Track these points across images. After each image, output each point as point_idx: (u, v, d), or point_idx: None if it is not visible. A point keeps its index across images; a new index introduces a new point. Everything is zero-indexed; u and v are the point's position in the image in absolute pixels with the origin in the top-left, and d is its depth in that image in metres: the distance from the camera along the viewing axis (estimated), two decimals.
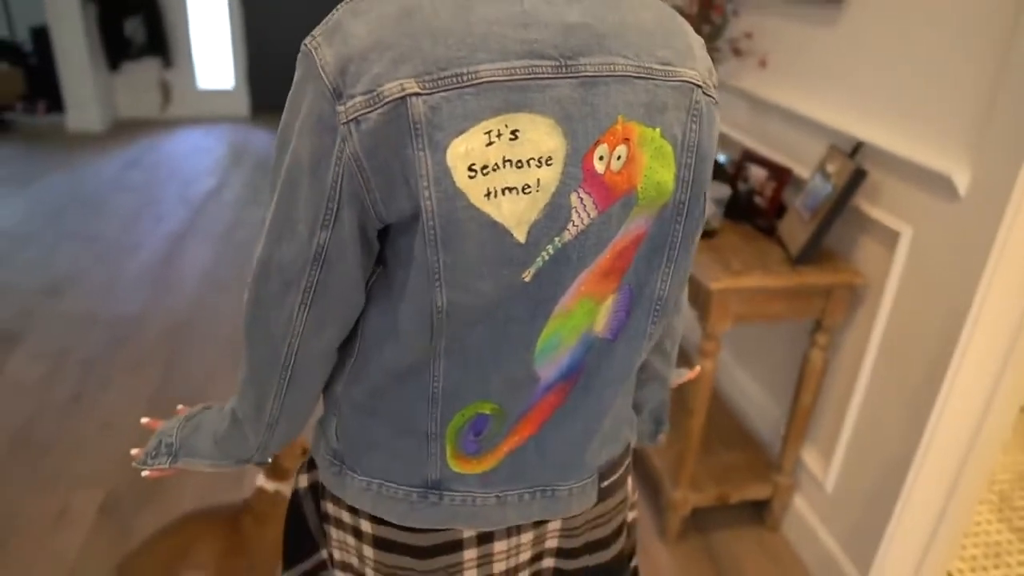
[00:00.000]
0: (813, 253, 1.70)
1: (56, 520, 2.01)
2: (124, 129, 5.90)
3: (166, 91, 6.19)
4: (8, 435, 2.32)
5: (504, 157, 0.61)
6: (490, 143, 0.60)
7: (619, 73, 0.64)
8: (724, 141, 2.34)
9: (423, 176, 0.60)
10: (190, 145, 5.57)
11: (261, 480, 1.55)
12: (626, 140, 0.65)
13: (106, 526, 1.99)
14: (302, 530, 0.93)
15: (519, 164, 0.61)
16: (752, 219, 1.92)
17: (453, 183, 0.60)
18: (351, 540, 0.86)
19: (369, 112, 0.59)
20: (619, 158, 0.66)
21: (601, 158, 0.65)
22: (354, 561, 0.87)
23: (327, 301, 0.68)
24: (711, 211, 1.79)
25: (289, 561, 0.95)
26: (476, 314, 0.67)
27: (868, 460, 1.73)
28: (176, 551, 1.48)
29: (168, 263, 3.58)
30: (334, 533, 0.88)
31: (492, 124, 0.60)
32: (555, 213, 0.64)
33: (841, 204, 1.63)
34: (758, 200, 1.92)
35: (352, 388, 0.77)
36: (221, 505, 1.61)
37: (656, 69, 0.66)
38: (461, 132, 0.59)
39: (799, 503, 1.99)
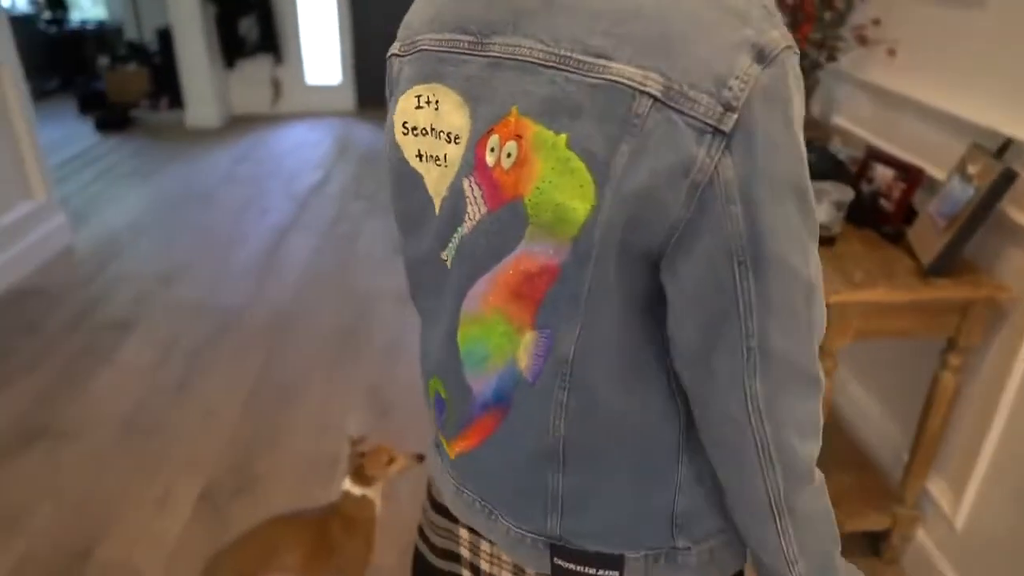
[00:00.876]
0: (949, 264, 1.52)
1: (158, 504, 2.08)
2: (237, 124, 6.15)
3: (277, 87, 6.42)
4: (120, 419, 2.43)
5: (431, 124, 0.64)
6: (419, 107, 0.65)
7: (522, 57, 0.56)
8: (846, 137, 2.16)
9: (388, 122, 0.69)
10: (297, 139, 5.75)
11: (347, 484, 1.53)
12: (518, 137, 0.56)
13: (204, 513, 2.04)
14: None
15: (438, 135, 0.64)
16: (876, 224, 1.74)
17: (394, 135, 0.68)
18: None
19: (387, 66, 0.72)
20: (509, 155, 0.57)
21: (492, 150, 0.59)
22: None
23: None
24: (831, 215, 1.64)
25: None
26: (423, 277, 0.72)
27: (1009, 499, 1.54)
28: (264, 552, 1.48)
29: (272, 255, 3.68)
30: None
31: (422, 90, 0.64)
32: (456, 197, 0.63)
33: (985, 210, 1.45)
34: (884, 203, 1.75)
35: None
36: (310, 508, 1.60)
37: (576, 60, 0.53)
38: (404, 92, 0.66)
39: (922, 538, 1.81)
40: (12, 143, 3.36)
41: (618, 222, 0.54)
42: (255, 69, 6.30)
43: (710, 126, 0.50)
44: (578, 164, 0.54)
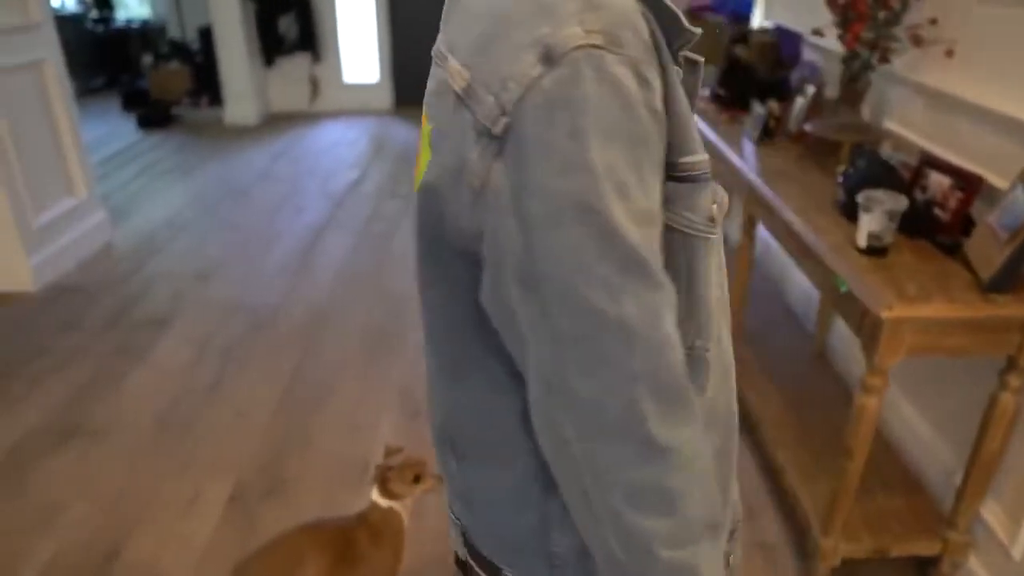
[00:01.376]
0: (1011, 279, 1.43)
1: (188, 505, 2.07)
2: (275, 122, 6.19)
3: (315, 85, 6.45)
4: (153, 418, 2.44)
5: None
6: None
7: (433, 54, 0.59)
8: (898, 142, 2.06)
9: None
10: (335, 137, 5.76)
11: (375, 495, 1.50)
12: (422, 127, 0.59)
13: (234, 516, 2.03)
14: None
15: None
16: (931, 235, 1.66)
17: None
18: None
19: None
20: (421, 144, 0.60)
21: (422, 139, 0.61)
22: None
23: None
24: (883, 225, 1.56)
25: None
26: None
27: None
28: (290, 560, 1.46)
29: (308, 254, 3.68)
30: None
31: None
32: None
33: None
34: (938, 212, 1.66)
35: None
36: (337, 517, 1.58)
37: (443, 56, 0.55)
38: None
39: (975, 566, 1.72)
40: (55, 140, 3.41)
41: (422, 215, 0.55)
42: (294, 67, 6.34)
43: (486, 128, 0.48)
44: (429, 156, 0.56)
